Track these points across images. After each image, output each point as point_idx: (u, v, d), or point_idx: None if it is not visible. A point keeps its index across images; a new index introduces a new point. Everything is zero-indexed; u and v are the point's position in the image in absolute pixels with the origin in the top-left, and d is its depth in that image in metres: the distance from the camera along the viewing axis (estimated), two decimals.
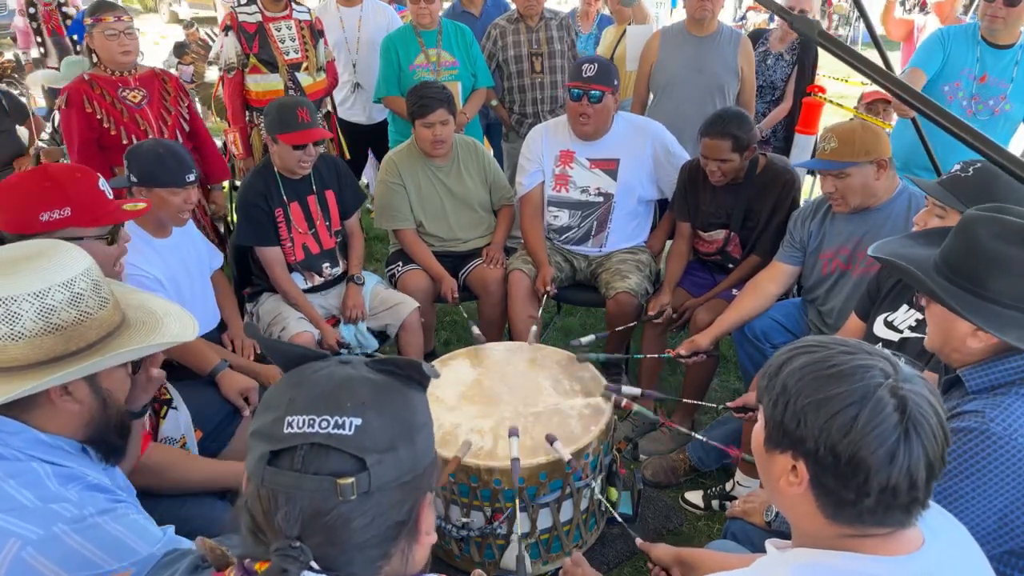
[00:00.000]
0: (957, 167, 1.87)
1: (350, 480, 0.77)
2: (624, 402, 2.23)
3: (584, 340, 2.62)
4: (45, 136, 4.27)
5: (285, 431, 0.79)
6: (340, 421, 0.79)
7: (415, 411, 0.86)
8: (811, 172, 4.00)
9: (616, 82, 2.94)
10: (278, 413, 0.80)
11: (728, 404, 2.26)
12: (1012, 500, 1.26)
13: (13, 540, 1.03)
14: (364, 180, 5.16)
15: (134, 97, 3.08)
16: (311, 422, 0.78)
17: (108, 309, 1.22)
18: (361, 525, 0.79)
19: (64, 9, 5.43)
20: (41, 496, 1.08)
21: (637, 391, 2.35)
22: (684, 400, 2.66)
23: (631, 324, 2.89)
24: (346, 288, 2.98)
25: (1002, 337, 1.28)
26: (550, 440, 2.02)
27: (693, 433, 2.35)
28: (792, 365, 0.96)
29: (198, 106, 5.23)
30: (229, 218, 3.66)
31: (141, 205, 1.85)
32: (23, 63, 6.57)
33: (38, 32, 5.56)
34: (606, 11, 4.97)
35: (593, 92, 2.88)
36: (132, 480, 1.37)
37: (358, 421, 0.79)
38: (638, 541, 1.63)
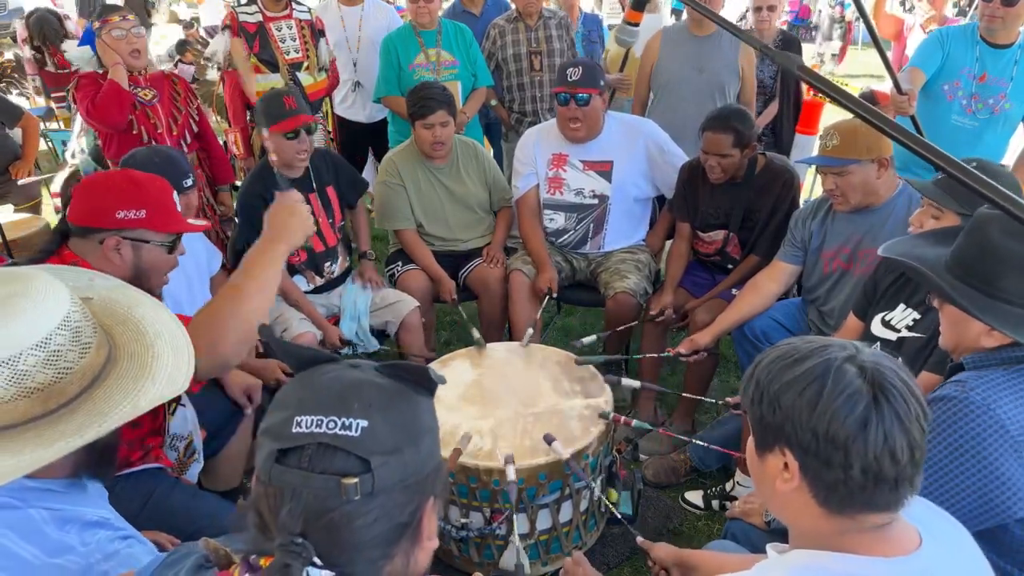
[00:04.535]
0: None
1: (354, 480, 0.78)
2: (623, 419, 2.19)
3: (585, 340, 2.61)
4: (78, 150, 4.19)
5: (293, 430, 0.80)
6: (347, 423, 0.80)
7: (421, 416, 0.87)
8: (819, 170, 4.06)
9: (603, 82, 2.94)
10: (287, 413, 0.82)
11: (728, 399, 2.26)
12: (990, 473, 1.24)
13: None
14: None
15: (145, 95, 3.09)
16: (319, 422, 0.80)
17: (91, 354, 1.13)
18: (363, 525, 0.80)
19: (64, 46, 5.49)
20: (46, 550, 1.03)
21: (636, 383, 2.37)
22: (684, 395, 2.65)
23: (631, 324, 2.89)
24: (360, 265, 3.06)
25: (1016, 337, 1.28)
26: (548, 440, 2.02)
27: (692, 439, 2.35)
28: (762, 363, 1.00)
29: None
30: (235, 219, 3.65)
31: (204, 222, 1.91)
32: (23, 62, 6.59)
33: (42, 63, 5.71)
34: (591, 10, 4.93)
35: (580, 95, 2.86)
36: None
37: (364, 423, 0.80)
38: (639, 539, 1.63)
